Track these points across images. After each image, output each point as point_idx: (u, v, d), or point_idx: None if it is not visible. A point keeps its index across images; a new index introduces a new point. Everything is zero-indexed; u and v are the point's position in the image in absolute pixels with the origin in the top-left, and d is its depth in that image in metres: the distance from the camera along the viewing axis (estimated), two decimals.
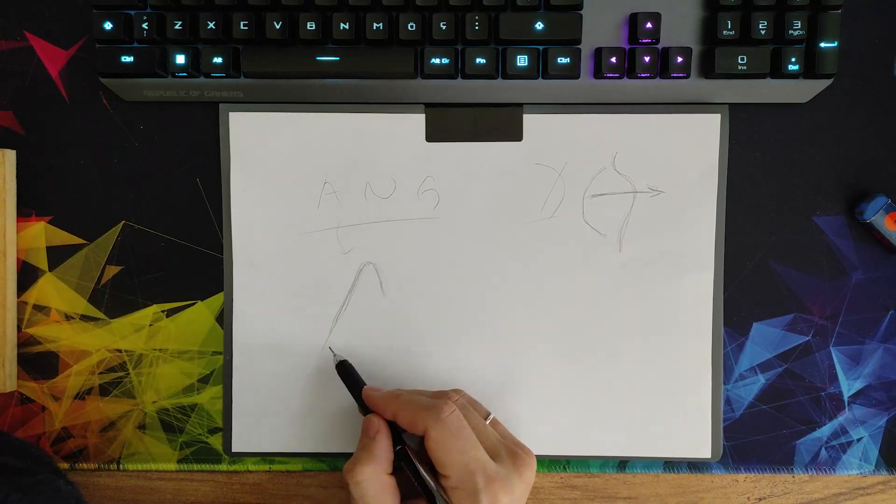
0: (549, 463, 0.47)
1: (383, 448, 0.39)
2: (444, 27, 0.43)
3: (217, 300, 0.47)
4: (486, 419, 0.41)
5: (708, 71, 0.44)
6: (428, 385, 0.46)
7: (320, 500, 0.48)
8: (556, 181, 0.46)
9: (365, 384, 0.43)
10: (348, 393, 0.46)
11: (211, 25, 0.43)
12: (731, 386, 0.47)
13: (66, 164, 0.47)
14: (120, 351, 0.47)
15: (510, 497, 0.37)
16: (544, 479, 0.47)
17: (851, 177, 0.46)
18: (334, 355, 0.45)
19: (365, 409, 0.42)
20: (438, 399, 0.39)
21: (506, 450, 0.39)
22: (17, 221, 0.47)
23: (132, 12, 0.44)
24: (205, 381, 0.47)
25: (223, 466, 0.48)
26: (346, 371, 0.44)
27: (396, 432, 0.40)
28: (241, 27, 0.43)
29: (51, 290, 0.47)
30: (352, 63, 0.44)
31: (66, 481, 0.39)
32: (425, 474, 0.38)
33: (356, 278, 0.46)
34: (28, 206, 0.47)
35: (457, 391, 0.42)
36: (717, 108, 0.45)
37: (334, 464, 0.48)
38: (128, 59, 0.44)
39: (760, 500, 0.47)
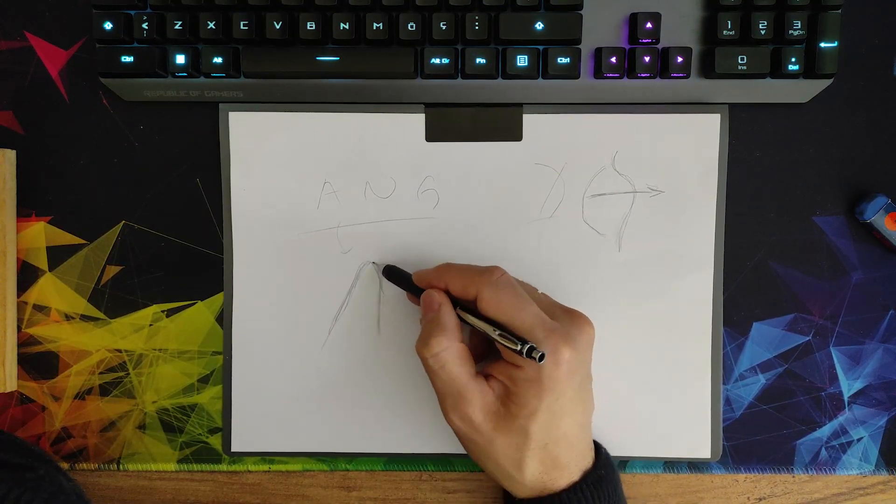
0: None
1: (450, 317, 0.39)
2: (444, 27, 0.43)
3: (217, 300, 0.47)
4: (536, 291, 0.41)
5: (708, 71, 0.44)
6: (424, 379, 0.46)
7: (320, 500, 0.48)
8: (556, 181, 0.46)
9: (411, 274, 0.43)
10: (348, 393, 0.46)
11: (211, 25, 0.43)
12: (731, 386, 0.47)
13: (66, 164, 0.47)
14: (120, 351, 0.47)
15: (572, 349, 0.37)
16: None
17: (851, 177, 0.46)
18: (378, 265, 0.46)
19: (419, 293, 0.42)
20: (488, 267, 0.40)
21: (561, 309, 0.40)
22: (17, 221, 0.47)
23: (132, 12, 0.44)
24: (205, 381, 0.47)
25: (223, 466, 0.48)
26: (393, 273, 0.44)
27: (453, 303, 0.40)
28: (241, 27, 0.43)
29: (51, 290, 0.47)
30: (352, 63, 0.44)
31: (68, 478, 0.39)
32: (486, 324, 0.38)
33: (356, 278, 0.46)
34: (28, 206, 0.47)
35: (498, 268, 0.41)
36: (717, 108, 0.45)
37: (334, 464, 0.48)
38: (128, 59, 0.44)
39: (760, 500, 0.47)
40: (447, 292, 0.41)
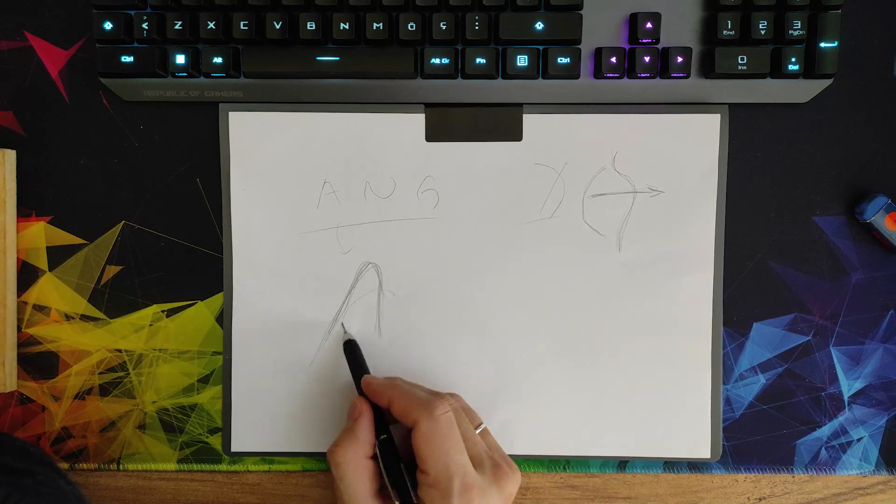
0: (548, 463, 0.47)
1: (365, 431, 0.40)
2: (444, 27, 0.43)
3: (217, 300, 0.47)
4: (477, 428, 0.41)
5: (708, 71, 0.44)
6: (427, 385, 0.46)
7: (320, 499, 0.48)
8: (556, 181, 0.46)
9: (368, 370, 0.43)
10: (348, 393, 0.46)
11: (211, 25, 0.43)
12: (731, 386, 0.47)
13: (66, 164, 0.47)
14: (120, 351, 0.47)
15: None
16: (544, 479, 0.47)
17: (851, 177, 0.46)
18: (344, 332, 0.46)
19: (362, 394, 0.42)
20: (435, 397, 0.40)
21: (490, 461, 0.39)
22: (17, 221, 0.47)
23: (132, 12, 0.44)
24: (205, 381, 0.47)
25: (223, 466, 0.48)
26: (351, 351, 0.44)
27: (383, 421, 0.41)
28: (241, 27, 0.43)
29: (51, 290, 0.47)
30: (352, 63, 0.44)
31: (67, 481, 0.39)
32: (403, 468, 0.39)
33: (356, 278, 0.46)
34: (28, 206, 0.47)
35: (453, 395, 0.42)
36: (717, 108, 0.45)
37: None
38: (128, 59, 0.44)
39: (760, 500, 0.47)
40: (379, 408, 0.41)
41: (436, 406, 0.38)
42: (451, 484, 0.36)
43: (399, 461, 0.39)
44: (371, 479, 0.39)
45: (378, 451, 0.40)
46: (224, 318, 0.47)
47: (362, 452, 0.39)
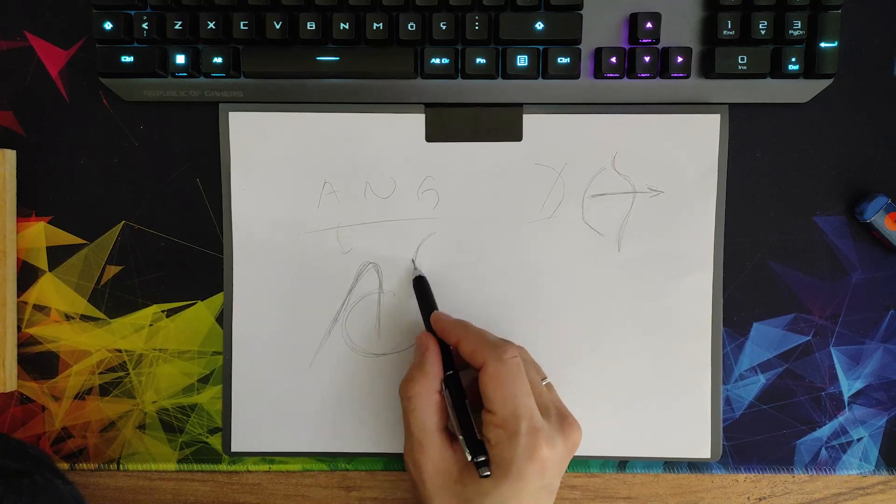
0: None
1: (434, 365, 0.40)
2: (444, 27, 0.43)
3: (217, 300, 0.47)
4: (542, 381, 0.41)
5: (708, 71, 0.44)
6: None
7: (320, 499, 0.48)
8: (556, 181, 0.46)
9: (437, 307, 0.44)
10: (348, 393, 0.46)
11: (211, 25, 0.43)
12: (731, 386, 0.47)
13: (66, 164, 0.47)
14: (120, 351, 0.47)
15: (551, 451, 0.37)
16: None
17: (851, 177, 0.46)
18: (415, 268, 0.46)
19: (430, 331, 0.42)
20: (505, 343, 0.40)
21: (556, 410, 0.39)
22: (17, 221, 0.47)
23: (132, 12, 0.44)
24: (205, 381, 0.47)
25: (223, 466, 0.48)
26: (421, 287, 0.44)
27: (450, 359, 0.41)
28: (241, 27, 0.43)
29: (51, 290, 0.47)
30: (352, 63, 0.44)
31: (65, 481, 0.39)
32: (468, 405, 0.39)
33: (356, 278, 0.46)
34: (28, 206, 0.47)
35: (520, 347, 0.41)
36: (717, 108, 0.45)
37: (334, 464, 0.48)
38: (128, 59, 0.44)
39: (760, 500, 0.47)
40: (446, 346, 0.41)
41: (505, 349, 0.38)
42: (518, 424, 0.36)
43: (465, 397, 0.39)
44: (439, 414, 0.39)
45: (444, 386, 0.40)
46: (224, 318, 0.47)
47: (431, 386, 0.39)
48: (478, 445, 0.38)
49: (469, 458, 0.38)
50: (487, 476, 0.37)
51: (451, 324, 0.41)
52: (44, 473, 0.37)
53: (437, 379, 0.40)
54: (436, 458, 0.39)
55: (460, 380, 0.40)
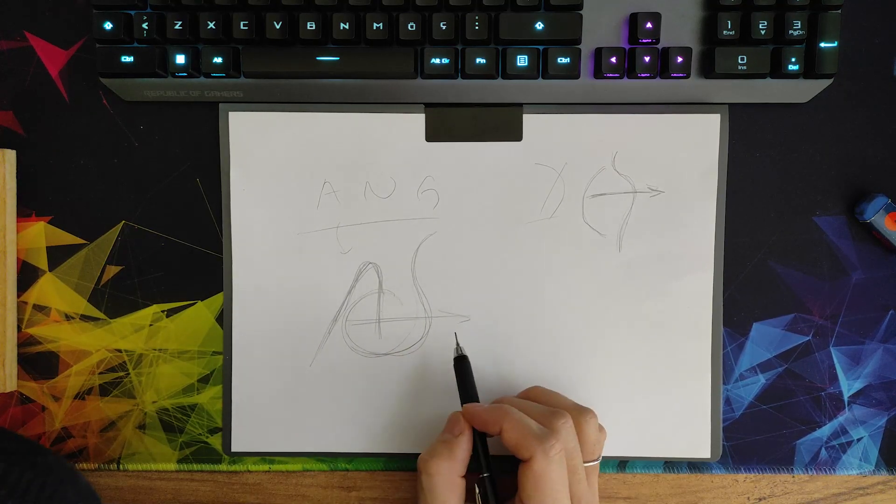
0: None
1: (464, 449, 0.39)
2: (444, 27, 0.43)
3: (217, 300, 0.47)
4: (591, 461, 0.40)
5: (708, 71, 0.44)
6: (425, 379, 0.46)
7: (320, 500, 0.48)
8: (556, 181, 0.46)
9: (476, 394, 0.42)
10: (348, 393, 0.46)
11: (211, 25, 0.43)
12: (731, 386, 0.47)
13: (66, 164, 0.47)
14: (120, 351, 0.47)
15: None
16: None
17: (851, 177, 0.46)
18: (457, 346, 0.44)
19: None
20: (550, 430, 0.38)
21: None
22: (17, 221, 0.47)
23: (132, 12, 0.44)
24: (205, 381, 0.47)
25: (223, 466, 0.48)
26: (462, 370, 0.43)
27: (487, 457, 0.40)
28: (241, 27, 0.43)
29: (51, 290, 0.47)
30: (352, 63, 0.44)
31: (72, 466, 0.39)
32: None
33: (356, 278, 0.46)
34: (28, 206, 0.47)
35: (565, 417, 0.39)
36: (717, 108, 0.45)
37: (334, 464, 0.48)
38: (128, 59, 0.44)
39: (760, 500, 0.47)
40: (480, 432, 0.40)
41: (551, 445, 0.37)
42: None
43: (498, 501, 0.39)
44: (460, 497, 0.39)
45: (478, 488, 0.39)
46: (224, 318, 0.47)
47: (456, 470, 0.39)
48: None
49: None
50: None
51: (492, 414, 0.39)
52: (55, 456, 0.37)
53: (463, 465, 0.39)
54: None
55: (495, 484, 0.39)
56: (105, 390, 0.47)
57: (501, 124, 0.46)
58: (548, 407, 0.40)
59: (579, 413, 0.40)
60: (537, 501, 0.37)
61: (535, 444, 0.37)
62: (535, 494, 0.37)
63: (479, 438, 0.40)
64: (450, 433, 0.40)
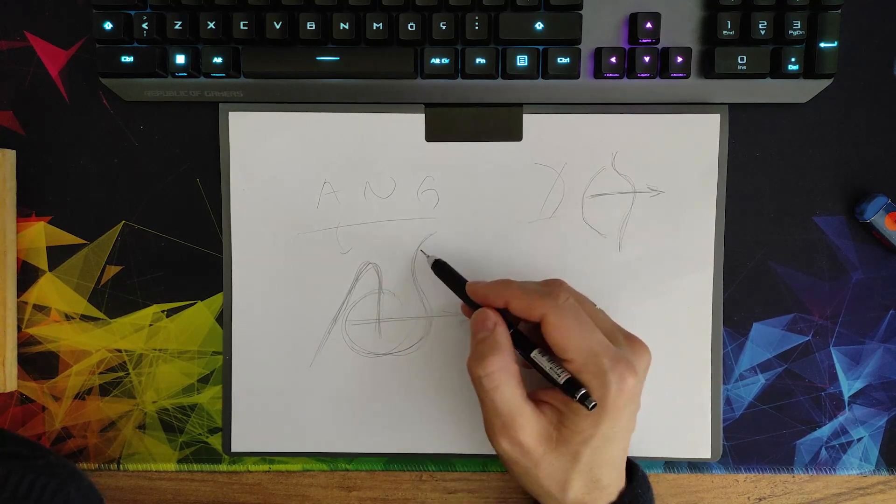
0: None
1: (506, 338, 0.39)
2: (444, 27, 0.43)
3: (217, 300, 0.47)
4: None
5: (708, 71, 0.44)
6: (425, 379, 0.46)
7: (320, 499, 0.48)
8: (556, 181, 0.46)
9: (465, 280, 0.42)
10: (348, 393, 0.46)
11: (211, 25, 0.43)
12: (731, 386, 0.47)
13: (66, 164, 0.47)
14: (120, 351, 0.47)
15: (635, 378, 0.37)
16: None
17: (851, 177, 0.46)
18: (427, 256, 0.45)
19: (470, 304, 0.41)
20: (551, 287, 0.39)
21: (621, 335, 0.39)
22: (17, 221, 0.47)
23: (132, 12, 0.44)
24: (205, 381, 0.47)
25: (223, 466, 0.48)
26: (443, 270, 0.43)
27: (507, 321, 0.40)
28: (241, 27, 0.43)
29: (51, 290, 0.47)
30: (352, 63, 0.44)
31: (75, 465, 0.39)
32: (547, 357, 0.38)
33: (356, 278, 0.46)
34: (28, 206, 0.47)
35: (560, 281, 0.41)
36: (716, 108, 0.45)
37: (334, 464, 0.48)
38: (128, 59, 0.44)
39: (760, 500, 0.47)
40: (502, 310, 0.40)
41: (558, 295, 0.38)
42: (600, 363, 0.36)
43: (542, 352, 0.38)
44: (521, 385, 0.38)
45: (535, 364, 0.38)
46: (224, 318, 0.47)
47: (510, 358, 0.38)
48: (576, 382, 0.37)
49: (576, 397, 0.36)
50: (594, 406, 0.36)
51: (493, 289, 0.40)
52: (57, 457, 0.37)
53: (511, 350, 0.38)
54: (533, 428, 0.38)
55: (526, 336, 0.39)
56: (105, 390, 0.47)
57: (501, 124, 0.46)
58: (537, 281, 0.41)
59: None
60: (574, 348, 0.37)
61: (544, 301, 0.38)
62: (569, 342, 0.37)
63: (509, 324, 0.40)
64: (484, 330, 0.39)
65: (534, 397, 0.39)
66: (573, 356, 0.37)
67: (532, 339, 0.39)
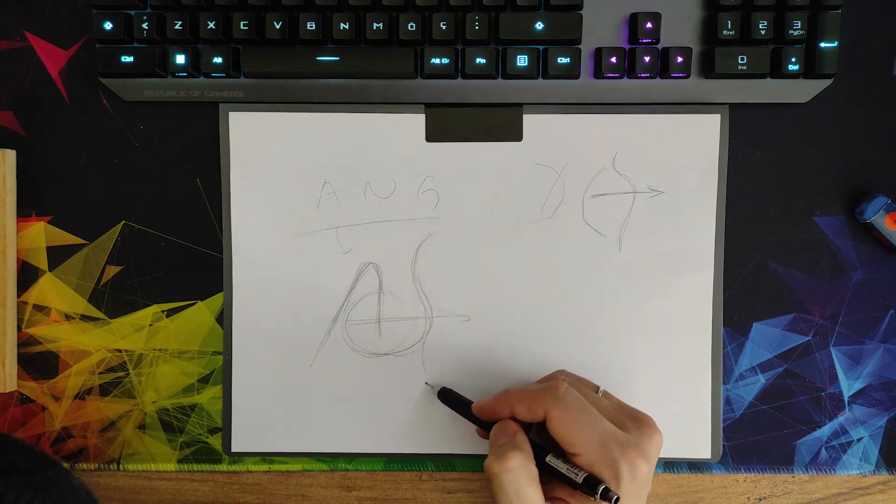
0: None
1: (526, 441, 0.38)
2: (444, 27, 0.43)
3: (217, 300, 0.47)
4: (596, 392, 0.41)
5: (708, 71, 0.44)
6: (425, 379, 0.46)
7: (320, 499, 0.48)
8: (556, 181, 0.46)
9: (471, 402, 0.43)
10: (348, 393, 0.46)
11: (211, 25, 0.43)
12: (731, 386, 0.47)
13: (66, 164, 0.47)
14: (120, 351, 0.47)
15: (647, 463, 0.36)
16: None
17: (851, 177, 0.46)
18: (433, 387, 0.46)
19: (481, 424, 0.42)
20: (549, 380, 0.39)
21: (629, 418, 0.39)
22: (17, 221, 0.47)
23: (132, 12, 0.44)
24: (205, 381, 0.47)
25: (223, 466, 0.48)
26: (449, 397, 0.44)
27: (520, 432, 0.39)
28: (241, 27, 0.43)
29: (51, 290, 0.47)
30: (352, 63, 0.44)
31: (74, 477, 0.39)
32: (568, 469, 0.37)
33: (356, 278, 0.46)
34: (28, 206, 0.47)
35: (561, 371, 0.42)
36: (717, 108, 0.45)
37: (334, 464, 0.48)
38: (128, 59, 0.44)
39: (760, 500, 0.47)
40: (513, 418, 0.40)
41: (557, 388, 0.38)
42: (610, 452, 0.36)
43: (553, 451, 0.38)
44: (540, 488, 0.37)
45: (551, 467, 0.38)
46: (224, 318, 0.47)
47: (528, 459, 0.37)
48: (594, 479, 0.36)
49: (597, 494, 0.36)
50: (618, 500, 0.35)
51: (496, 402, 0.40)
52: (56, 468, 0.37)
53: (530, 453, 0.38)
54: None
55: (541, 440, 0.39)
56: (105, 390, 0.47)
57: (501, 124, 0.46)
58: (538, 382, 0.42)
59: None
60: (581, 440, 0.36)
61: (543, 398, 0.38)
62: (575, 435, 0.37)
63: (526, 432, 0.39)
64: (505, 435, 0.39)
65: (547, 495, 0.38)
66: (581, 449, 0.36)
67: (544, 444, 0.39)
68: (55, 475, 0.36)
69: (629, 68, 0.44)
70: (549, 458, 0.38)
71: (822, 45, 0.43)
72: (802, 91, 0.45)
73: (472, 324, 0.46)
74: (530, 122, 0.46)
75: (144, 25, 0.43)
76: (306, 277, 0.46)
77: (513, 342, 0.46)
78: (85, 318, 0.47)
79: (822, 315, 0.47)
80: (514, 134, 0.46)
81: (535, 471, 0.37)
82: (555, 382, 0.39)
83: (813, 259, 0.46)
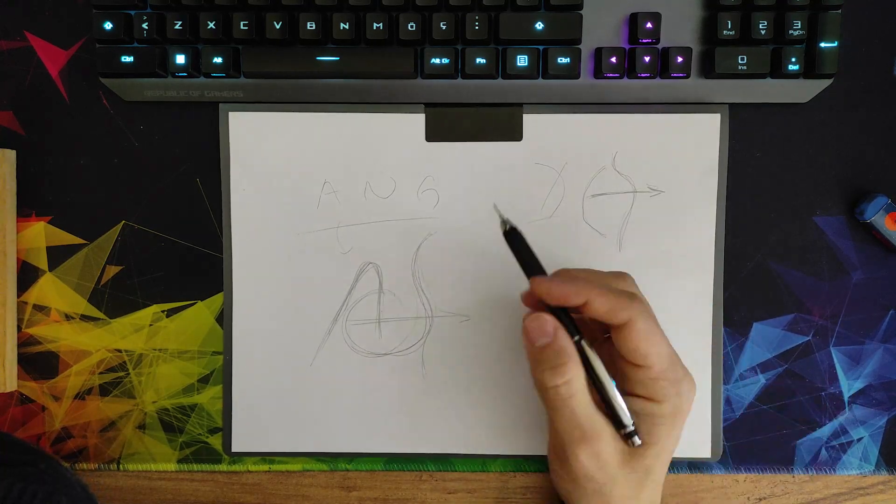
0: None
1: (571, 344, 0.36)
2: (444, 27, 0.43)
3: (217, 300, 0.47)
4: None
5: (708, 71, 0.44)
6: (425, 379, 0.46)
7: (320, 499, 0.48)
8: (556, 181, 0.46)
9: (541, 266, 0.38)
10: (348, 393, 0.46)
11: (211, 25, 0.43)
12: (731, 386, 0.47)
13: (66, 164, 0.47)
14: (120, 351, 0.47)
15: (693, 387, 0.38)
16: (544, 480, 0.47)
17: (851, 177, 0.46)
18: (503, 220, 0.39)
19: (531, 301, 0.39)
20: (628, 284, 0.38)
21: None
22: (17, 221, 0.47)
23: (132, 12, 0.44)
24: (205, 381, 0.47)
25: (223, 466, 0.48)
26: (516, 241, 0.39)
27: (573, 324, 0.37)
28: (241, 27, 0.43)
29: (51, 290, 0.47)
30: (352, 63, 0.44)
31: (69, 472, 0.39)
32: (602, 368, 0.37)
33: (356, 278, 0.46)
34: (28, 206, 0.47)
35: (626, 275, 0.40)
36: (717, 108, 0.45)
37: (334, 464, 0.48)
38: (128, 59, 0.44)
39: (760, 500, 0.47)
40: (562, 309, 0.37)
41: (640, 300, 0.37)
42: (675, 370, 0.36)
43: (599, 365, 0.37)
44: (592, 396, 0.36)
45: (584, 352, 0.36)
46: (224, 318, 0.47)
47: (580, 368, 0.36)
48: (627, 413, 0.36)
49: (628, 425, 0.35)
50: (640, 445, 0.36)
51: (573, 287, 0.36)
52: (50, 462, 0.37)
53: (579, 360, 0.36)
54: (611, 439, 0.36)
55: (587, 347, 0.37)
56: (105, 390, 0.47)
57: (501, 124, 0.46)
58: (602, 272, 0.39)
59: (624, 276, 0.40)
60: (656, 355, 0.36)
61: (631, 304, 0.36)
62: (652, 350, 0.36)
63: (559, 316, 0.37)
64: (544, 336, 0.36)
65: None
66: (654, 362, 0.36)
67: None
68: (48, 468, 0.36)
69: (629, 68, 0.44)
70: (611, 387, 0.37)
71: (822, 45, 0.43)
72: (802, 91, 0.45)
73: (472, 324, 0.46)
74: (530, 121, 0.46)
75: (144, 25, 0.43)
76: (306, 277, 0.46)
77: (513, 342, 0.46)
78: (85, 318, 0.47)
79: (822, 315, 0.47)
80: (514, 134, 0.46)
81: (587, 379, 0.36)
82: (637, 294, 0.38)
83: (813, 259, 0.46)
